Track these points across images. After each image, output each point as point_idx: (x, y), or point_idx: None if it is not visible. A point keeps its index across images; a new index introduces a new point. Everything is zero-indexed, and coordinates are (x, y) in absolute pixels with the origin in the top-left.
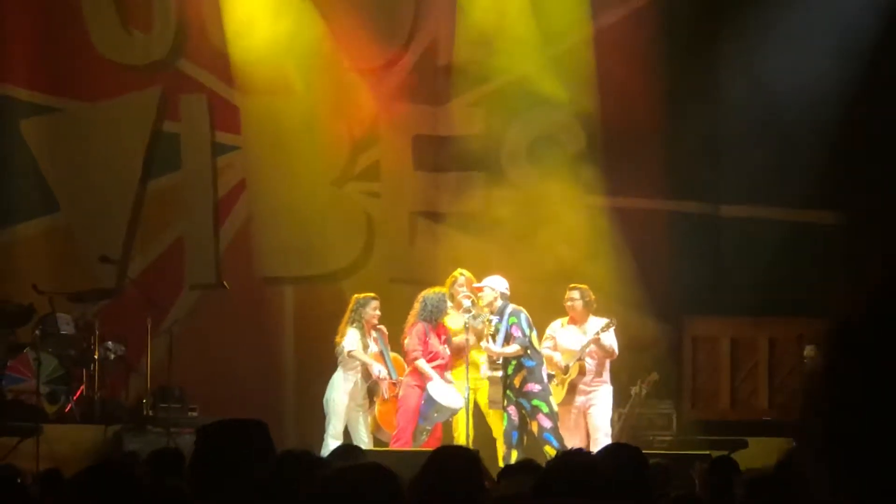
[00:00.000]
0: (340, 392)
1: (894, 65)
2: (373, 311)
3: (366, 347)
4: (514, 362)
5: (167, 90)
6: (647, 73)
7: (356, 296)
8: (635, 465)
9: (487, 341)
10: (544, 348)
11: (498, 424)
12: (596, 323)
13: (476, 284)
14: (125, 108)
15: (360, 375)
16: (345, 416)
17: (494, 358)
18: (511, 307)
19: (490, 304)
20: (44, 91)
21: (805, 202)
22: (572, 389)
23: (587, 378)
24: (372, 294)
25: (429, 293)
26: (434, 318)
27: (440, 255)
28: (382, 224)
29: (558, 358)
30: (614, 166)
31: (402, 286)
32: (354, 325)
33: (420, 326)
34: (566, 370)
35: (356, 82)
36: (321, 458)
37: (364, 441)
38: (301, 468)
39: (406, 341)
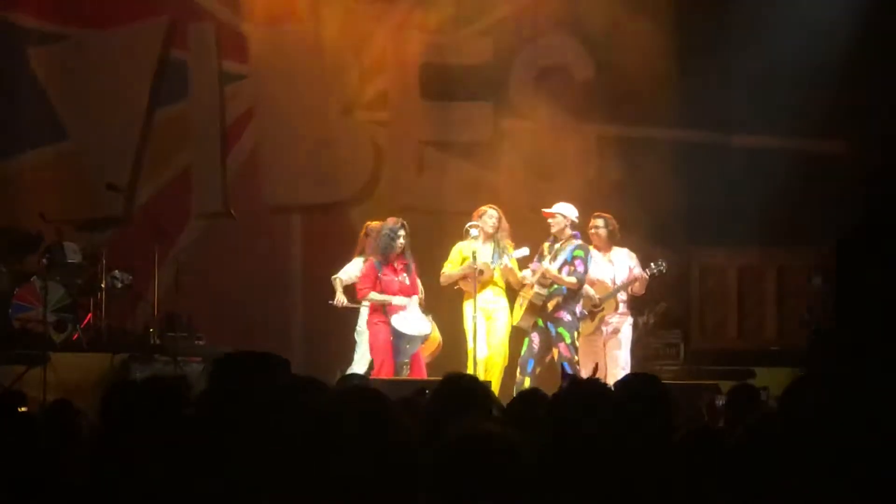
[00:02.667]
0: (362, 319)
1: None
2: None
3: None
4: (553, 287)
5: (175, 18)
6: (660, 9)
7: (368, 223)
8: (653, 395)
9: (548, 262)
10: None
11: (501, 354)
12: (620, 254)
13: (547, 210)
14: (133, 37)
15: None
16: (364, 341)
17: (548, 278)
18: (579, 241)
19: (560, 231)
20: (51, 19)
21: (814, 132)
22: (601, 322)
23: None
24: (381, 223)
25: (377, 224)
26: (385, 251)
27: (447, 185)
28: (390, 153)
29: (591, 291)
30: (623, 95)
31: (411, 214)
32: (362, 253)
33: (370, 262)
34: (598, 304)
35: (364, 11)
36: (324, 385)
37: None
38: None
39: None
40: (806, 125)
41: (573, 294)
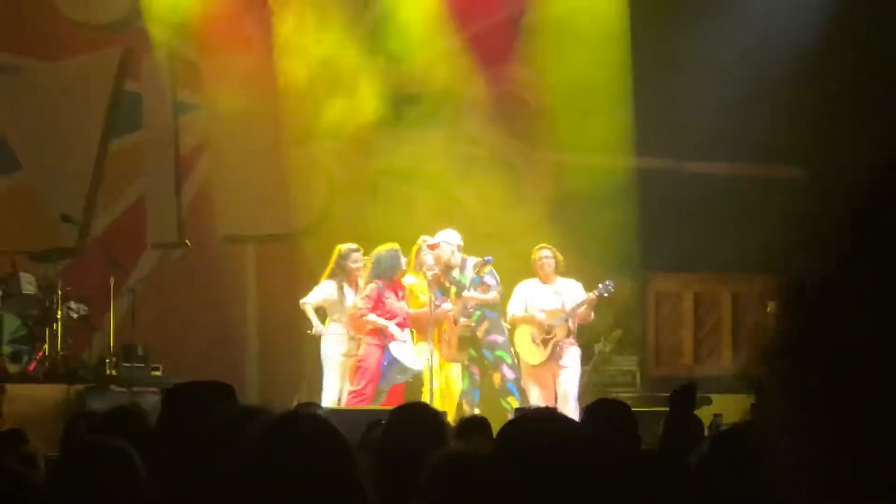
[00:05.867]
0: (328, 343)
1: (851, 21)
2: (353, 263)
3: (342, 300)
4: (477, 313)
5: (129, 49)
6: (613, 35)
7: (339, 246)
8: (622, 420)
9: (457, 293)
10: (513, 308)
11: (456, 382)
12: (566, 284)
13: (430, 241)
14: (86, 68)
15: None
16: (338, 367)
17: (469, 308)
18: (473, 258)
19: (448, 259)
20: (4, 49)
21: (769, 158)
22: (553, 350)
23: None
24: (355, 246)
25: (380, 250)
26: (388, 274)
27: (403, 214)
28: (344, 182)
29: (542, 317)
30: (578, 123)
31: (366, 244)
32: (334, 277)
33: (373, 285)
34: (550, 330)
35: (318, 39)
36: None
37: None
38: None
39: (356, 301)
40: (760, 151)
41: (494, 309)
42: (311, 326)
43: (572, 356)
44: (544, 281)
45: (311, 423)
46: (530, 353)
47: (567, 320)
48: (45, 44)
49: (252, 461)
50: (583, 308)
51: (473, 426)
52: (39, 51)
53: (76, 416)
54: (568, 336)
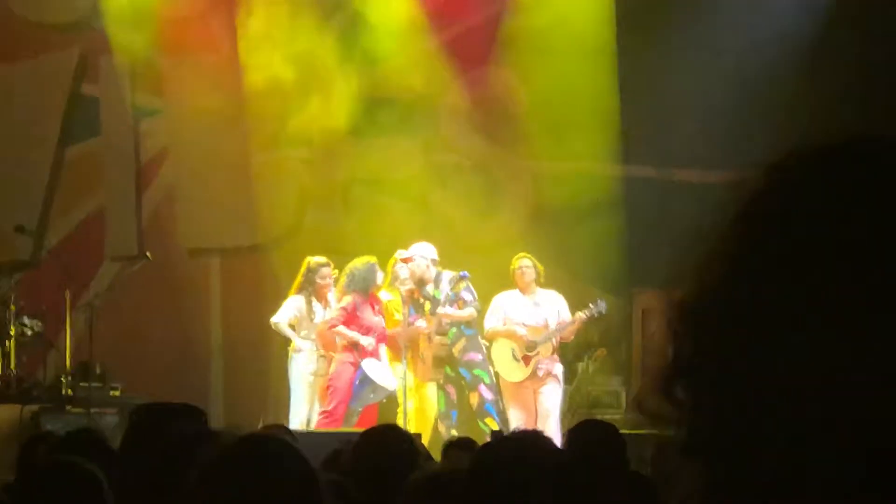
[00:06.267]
0: (296, 362)
1: (847, 20)
2: (321, 279)
3: (311, 316)
4: (453, 330)
5: (86, 51)
6: (599, 37)
7: (308, 259)
8: (609, 443)
9: (432, 308)
10: (491, 321)
11: (432, 403)
12: (546, 295)
13: (404, 255)
14: (41, 70)
15: (313, 343)
16: (306, 387)
17: (444, 325)
18: (449, 272)
19: (423, 273)
20: None
21: (764, 165)
22: (535, 367)
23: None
24: (324, 260)
25: (356, 263)
26: (364, 287)
27: (376, 225)
28: (314, 191)
29: (523, 332)
30: (560, 128)
31: (337, 257)
32: (303, 291)
33: (349, 299)
34: (533, 346)
35: (286, 41)
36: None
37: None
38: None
39: (326, 313)
40: (754, 158)
41: (471, 326)
42: (288, 343)
43: (555, 374)
44: (524, 291)
45: (271, 446)
46: (510, 370)
47: (552, 338)
48: None
49: (209, 486)
50: (569, 328)
51: (462, 446)
52: None
53: (34, 439)
54: (552, 353)
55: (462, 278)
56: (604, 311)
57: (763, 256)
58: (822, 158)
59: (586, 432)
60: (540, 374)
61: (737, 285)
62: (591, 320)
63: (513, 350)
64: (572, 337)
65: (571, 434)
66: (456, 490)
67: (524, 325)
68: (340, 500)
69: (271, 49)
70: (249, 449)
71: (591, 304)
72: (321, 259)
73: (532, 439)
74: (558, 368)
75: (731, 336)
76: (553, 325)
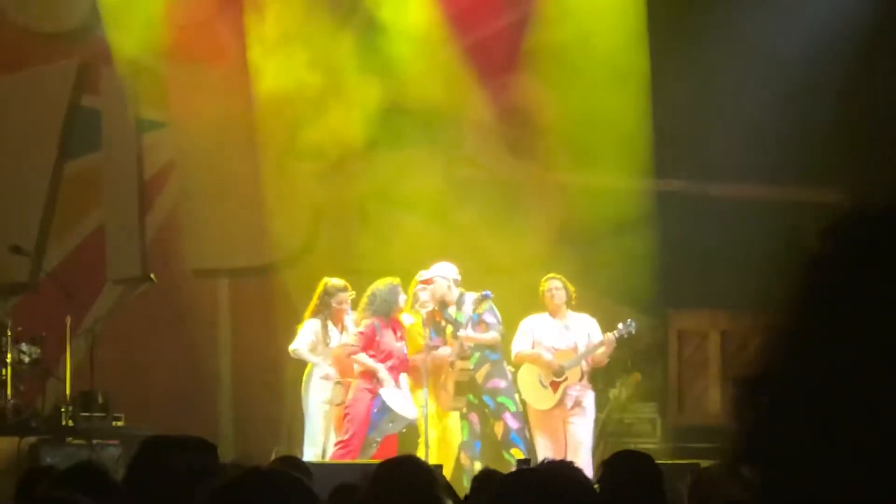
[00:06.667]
0: (312, 390)
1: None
2: (338, 304)
3: (326, 340)
4: (476, 355)
5: (86, 60)
6: (632, 43)
7: (324, 280)
8: (646, 477)
9: (456, 332)
10: (519, 346)
11: (455, 432)
12: (578, 319)
13: (424, 276)
14: (39, 81)
15: (334, 370)
16: (322, 416)
17: (466, 348)
18: (472, 294)
19: (444, 295)
20: None
21: (803, 179)
22: (563, 394)
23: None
24: (342, 283)
25: (378, 284)
26: (386, 310)
27: (394, 243)
28: (329, 208)
29: (549, 357)
30: (590, 140)
31: (354, 277)
32: (318, 315)
33: (369, 323)
34: (561, 372)
35: (299, 50)
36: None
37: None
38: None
39: (342, 337)
40: (793, 171)
41: (496, 351)
42: (303, 369)
43: (586, 402)
44: (554, 315)
45: (277, 480)
46: (538, 398)
47: (580, 362)
48: None
49: None
50: (600, 350)
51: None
52: None
53: (33, 472)
54: (581, 379)
55: (485, 298)
56: (634, 331)
57: (837, 331)
58: (881, 225)
59: (621, 463)
60: (569, 401)
61: (812, 363)
62: (621, 341)
63: (539, 377)
64: (605, 360)
65: (606, 466)
66: None
67: (553, 349)
68: None
69: (283, 57)
70: (253, 483)
71: (620, 325)
72: (339, 282)
73: (562, 470)
74: (590, 396)
75: (812, 408)
76: (582, 349)
